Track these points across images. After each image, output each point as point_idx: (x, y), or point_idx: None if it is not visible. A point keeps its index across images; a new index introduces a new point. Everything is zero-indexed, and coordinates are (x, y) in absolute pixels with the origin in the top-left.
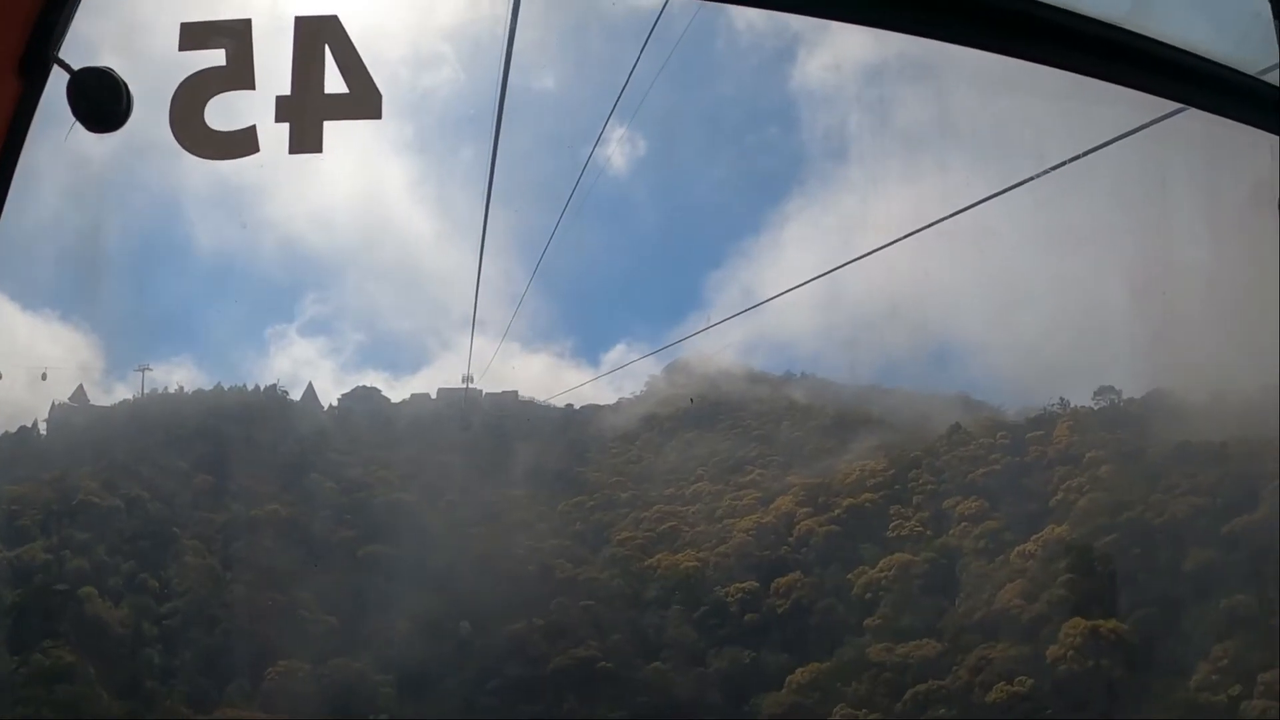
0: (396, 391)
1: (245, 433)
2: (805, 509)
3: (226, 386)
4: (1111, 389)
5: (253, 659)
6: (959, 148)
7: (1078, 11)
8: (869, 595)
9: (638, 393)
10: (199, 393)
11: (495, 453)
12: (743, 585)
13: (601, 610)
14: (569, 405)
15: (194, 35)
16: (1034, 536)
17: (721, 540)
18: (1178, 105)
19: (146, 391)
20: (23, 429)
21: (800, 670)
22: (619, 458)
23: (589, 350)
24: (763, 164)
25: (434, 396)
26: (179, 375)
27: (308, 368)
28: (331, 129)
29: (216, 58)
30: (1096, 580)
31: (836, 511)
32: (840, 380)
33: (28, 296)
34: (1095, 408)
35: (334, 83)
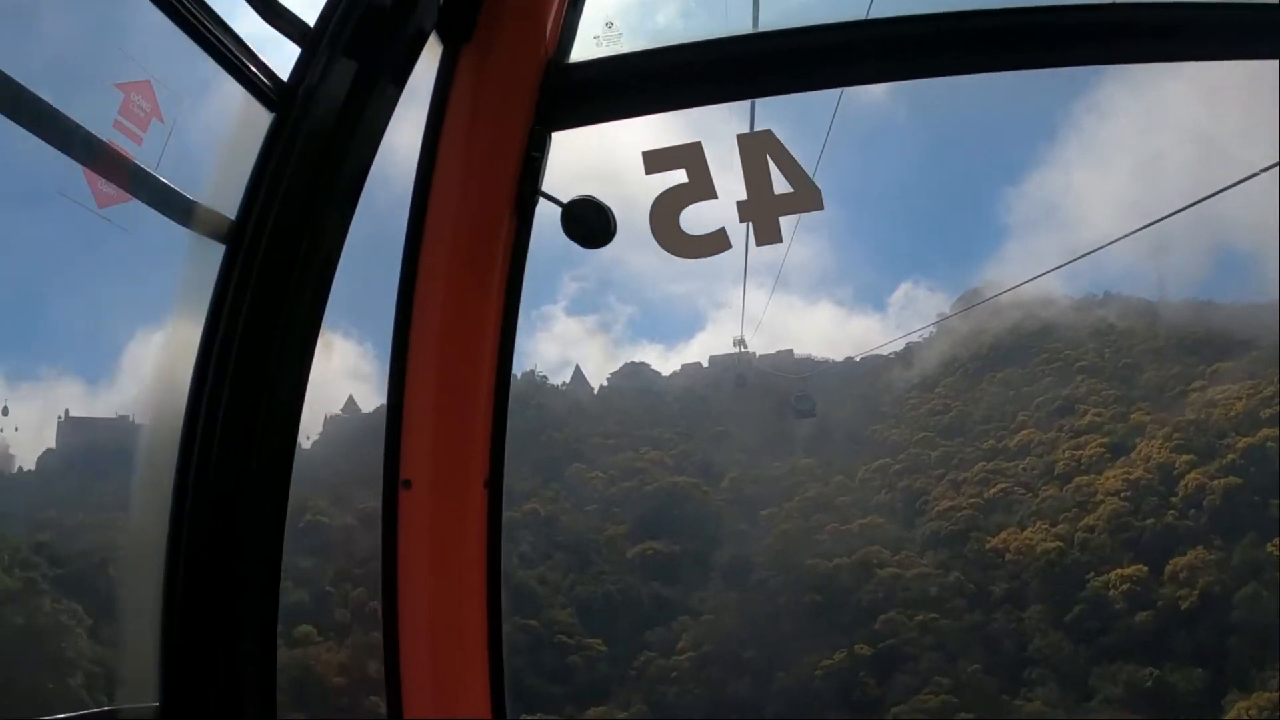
0: (667, 364)
1: None
2: (1185, 456)
3: None
4: None
5: None
6: None
7: None
8: None
9: (927, 335)
10: None
11: (776, 420)
12: (1125, 571)
13: (943, 625)
14: (848, 358)
15: (656, 160)
16: None
17: (1081, 506)
18: None
19: None
20: None
21: (1241, 701)
22: (919, 410)
23: (872, 294)
24: None
25: (706, 365)
26: None
27: (576, 348)
28: None
29: (680, 176)
30: None
31: (1229, 457)
32: (1150, 297)
33: None
34: None
35: (779, 183)
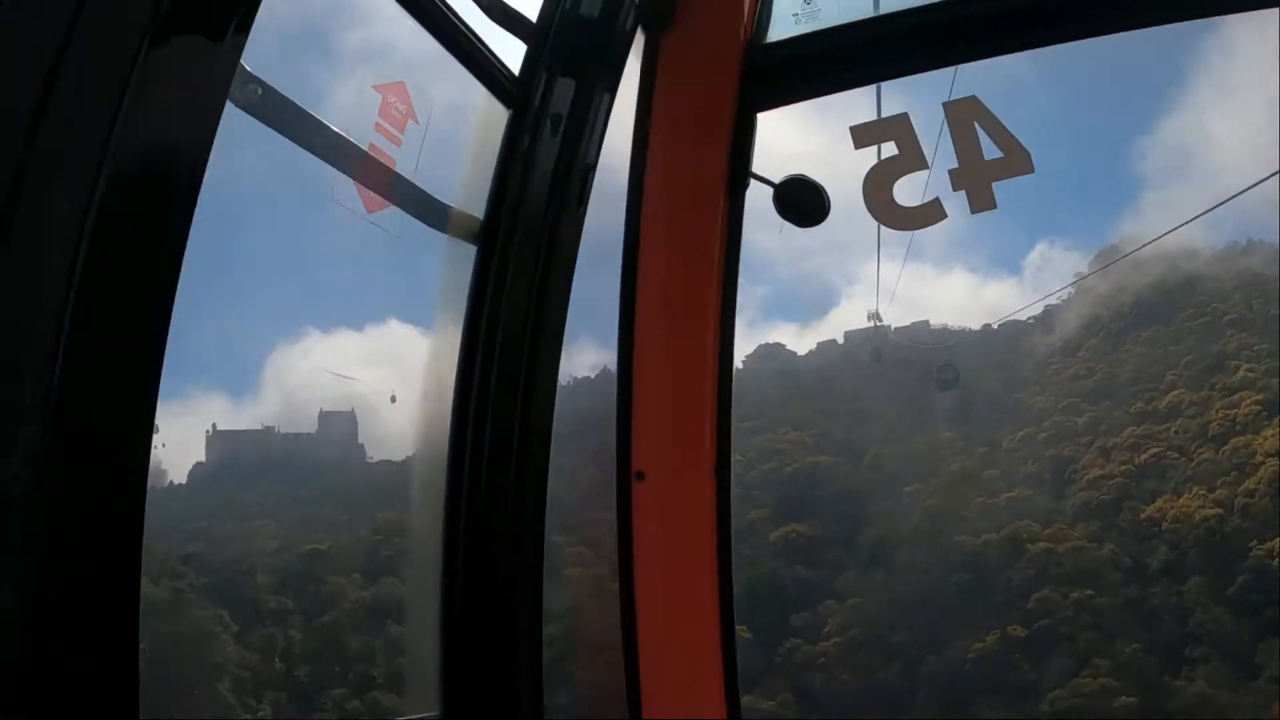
0: (803, 342)
1: None
2: None
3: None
4: None
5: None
6: None
7: None
8: None
9: (1066, 296)
10: (587, 381)
11: (914, 393)
12: None
13: (1100, 603)
14: (985, 325)
15: (863, 135)
16: None
17: (1241, 469)
18: None
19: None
20: None
21: None
22: (1062, 375)
23: (1006, 257)
24: None
25: (841, 341)
26: (588, 360)
27: None
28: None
29: (890, 149)
30: None
31: None
32: None
33: None
34: None
35: (988, 149)
